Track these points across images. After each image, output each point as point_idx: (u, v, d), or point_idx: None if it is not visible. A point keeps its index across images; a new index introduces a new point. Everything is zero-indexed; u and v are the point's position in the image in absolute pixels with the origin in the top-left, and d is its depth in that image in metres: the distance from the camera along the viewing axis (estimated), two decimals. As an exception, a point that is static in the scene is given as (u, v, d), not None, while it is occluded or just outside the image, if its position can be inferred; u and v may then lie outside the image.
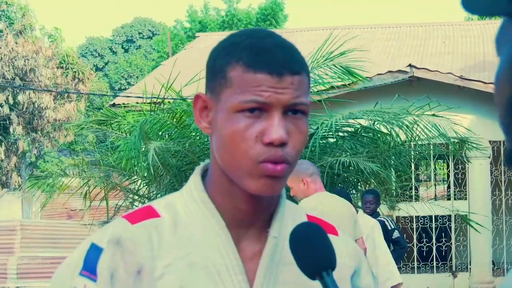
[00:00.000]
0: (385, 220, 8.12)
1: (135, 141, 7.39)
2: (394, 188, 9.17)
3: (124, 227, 1.30)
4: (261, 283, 1.30)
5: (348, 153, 8.20)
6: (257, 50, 1.24)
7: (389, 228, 8.03)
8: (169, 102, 8.87)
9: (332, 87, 8.91)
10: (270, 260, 1.31)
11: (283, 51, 1.25)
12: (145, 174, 8.51)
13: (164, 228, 1.31)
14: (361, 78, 8.41)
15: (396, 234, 8.05)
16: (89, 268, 1.28)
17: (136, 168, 8.17)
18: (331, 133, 7.80)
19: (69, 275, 1.30)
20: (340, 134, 8.39)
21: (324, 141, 7.94)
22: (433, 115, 8.27)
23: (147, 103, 8.55)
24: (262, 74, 1.23)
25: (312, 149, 7.57)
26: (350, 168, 7.66)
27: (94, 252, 1.28)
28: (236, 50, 1.25)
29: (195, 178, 1.36)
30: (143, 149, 7.55)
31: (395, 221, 13.19)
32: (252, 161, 1.23)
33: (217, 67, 1.28)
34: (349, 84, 11.58)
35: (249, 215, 1.31)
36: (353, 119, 8.21)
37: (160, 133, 8.34)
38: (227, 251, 1.30)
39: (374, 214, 7.98)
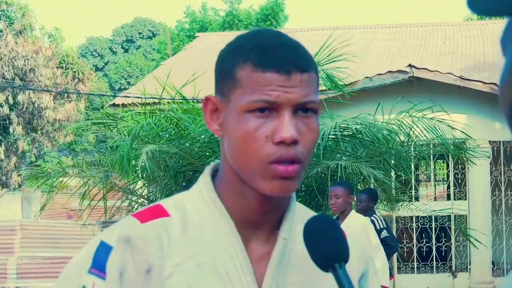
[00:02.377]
0: (375, 219, 8.13)
1: (126, 150, 7.37)
2: (394, 189, 9.15)
3: (134, 225, 1.30)
4: (270, 284, 1.30)
5: (347, 155, 8.18)
6: (265, 50, 1.24)
7: (378, 227, 8.03)
8: (168, 102, 8.85)
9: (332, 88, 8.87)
10: (279, 261, 1.31)
11: (291, 50, 1.25)
12: (143, 176, 8.50)
13: (173, 227, 1.31)
14: (339, 87, 8.31)
15: (384, 233, 8.06)
16: (98, 266, 1.27)
17: (132, 170, 8.14)
18: (331, 136, 7.76)
19: (77, 273, 1.30)
20: (339, 136, 8.35)
21: (323, 144, 7.88)
22: (432, 118, 8.25)
23: (146, 104, 8.54)
24: (270, 73, 1.22)
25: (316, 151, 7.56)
26: (349, 171, 7.63)
27: (104, 250, 1.28)
28: (243, 51, 1.25)
29: (205, 178, 1.36)
30: (138, 152, 7.56)
31: (394, 221, 13.23)
32: (263, 161, 1.23)
33: (226, 68, 1.27)
34: (349, 84, 11.58)
35: (259, 216, 1.31)
36: (347, 124, 8.12)
37: (159, 133, 8.32)
38: (236, 252, 1.30)
39: (368, 212, 8.00)
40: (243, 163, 1.25)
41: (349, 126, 7.99)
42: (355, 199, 6.75)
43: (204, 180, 1.35)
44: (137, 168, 8.10)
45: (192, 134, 8.03)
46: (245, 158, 1.24)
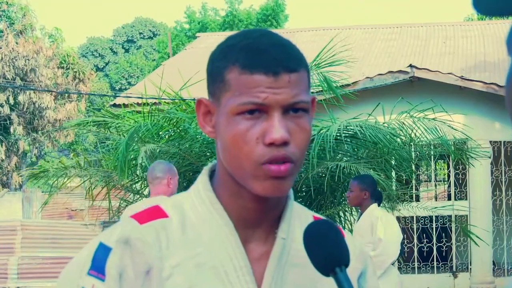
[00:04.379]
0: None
1: (122, 150, 7.37)
2: (394, 192, 9.14)
3: (133, 227, 1.30)
4: (269, 283, 1.30)
5: (348, 156, 8.16)
6: (252, 51, 1.23)
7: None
8: (167, 103, 8.85)
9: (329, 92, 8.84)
10: (278, 261, 1.31)
11: (279, 50, 1.24)
12: (143, 176, 8.50)
13: (172, 228, 1.31)
14: (336, 93, 8.23)
15: None
16: (97, 267, 1.27)
17: (132, 170, 8.13)
18: (331, 137, 7.73)
19: (77, 275, 1.30)
20: (339, 138, 8.33)
21: (323, 146, 7.86)
22: (433, 119, 8.23)
23: (146, 104, 8.54)
24: (258, 74, 1.22)
25: (313, 153, 7.52)
26: (347, 171, 7.61)
27: (103, 252, 1.28)
28: (232, 53, 1.25)
29: (202, 178, 1.36)
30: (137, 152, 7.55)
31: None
32: (255, 163, 1.23)
33: (215, 70, 1.27)
34: (349, 84, 11.57)
35: (256, 216, 1.31)
36: (347, 126, 8.09)
37: (159, 133, 8.32)
38: (235, 252, 1.30)
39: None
40: (236, 165, 1.25)
41: (350, 128, 7.98)
42: (368, 195, 6.64)
43: (202, 180, 1.36)
44: (137, 168, 8.10)
45: (191, 134, 8.03)
46: (237, 160, 1.24)
